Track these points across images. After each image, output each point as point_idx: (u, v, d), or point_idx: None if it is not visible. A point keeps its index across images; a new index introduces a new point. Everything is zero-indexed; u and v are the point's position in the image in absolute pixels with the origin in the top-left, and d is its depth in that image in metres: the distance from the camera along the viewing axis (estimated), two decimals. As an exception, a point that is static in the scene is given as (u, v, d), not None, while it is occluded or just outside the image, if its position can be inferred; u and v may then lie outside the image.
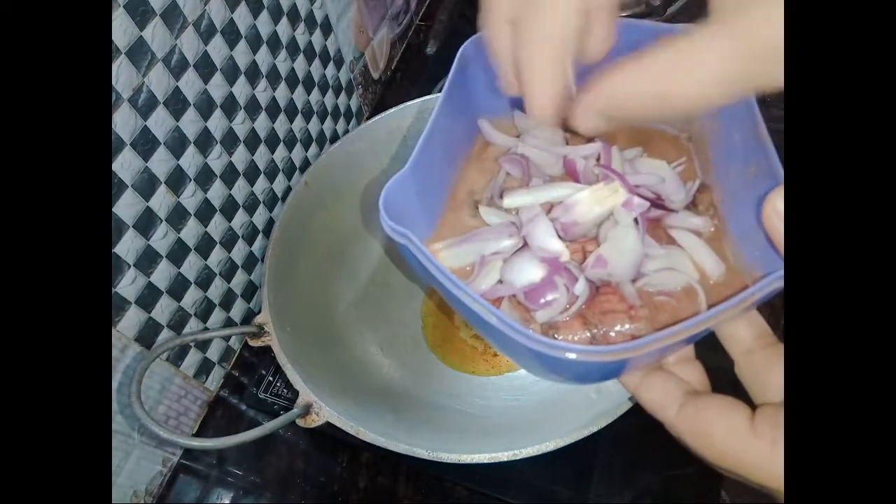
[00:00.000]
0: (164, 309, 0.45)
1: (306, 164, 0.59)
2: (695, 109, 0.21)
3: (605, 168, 0.31)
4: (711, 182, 0.32)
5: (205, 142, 0.45)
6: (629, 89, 0.22)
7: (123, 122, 0.37)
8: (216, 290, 0.51)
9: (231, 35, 0.44)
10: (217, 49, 0.43)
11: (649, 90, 0.21)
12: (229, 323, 0.54)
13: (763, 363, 0.25)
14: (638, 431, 0.47)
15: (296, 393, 0.42)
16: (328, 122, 0.62)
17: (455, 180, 0.34)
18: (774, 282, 0.24)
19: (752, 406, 0.24)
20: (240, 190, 0.50)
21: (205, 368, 0.52)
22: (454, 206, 0.33)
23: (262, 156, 0.52)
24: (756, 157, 0.27)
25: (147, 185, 0.40)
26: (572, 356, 0.22)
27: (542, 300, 0.28)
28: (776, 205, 0.21)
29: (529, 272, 0.28)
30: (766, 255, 0.26)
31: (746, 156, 0.29)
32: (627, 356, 0.23)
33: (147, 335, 0.44)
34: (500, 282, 0.29)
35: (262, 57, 0.49)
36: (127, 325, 0.42)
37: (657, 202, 0.29)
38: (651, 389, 0.25)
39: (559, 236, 0.29)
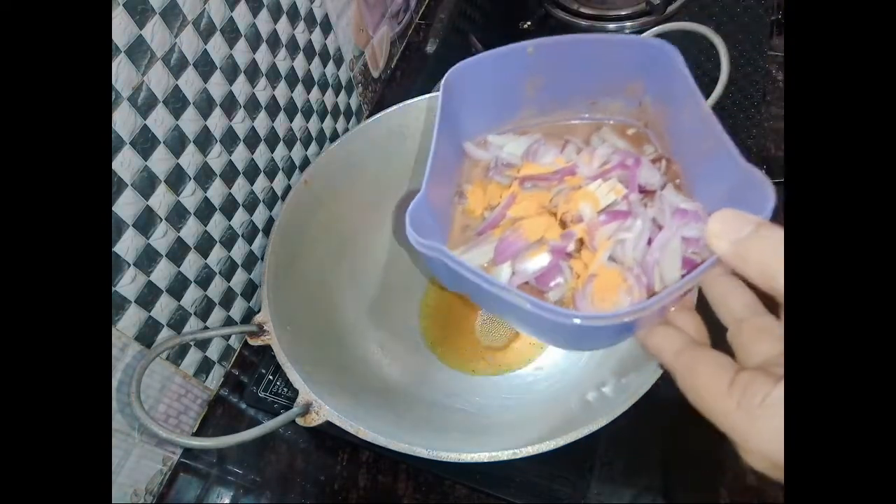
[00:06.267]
0: (163, 308, 0.45)
1: (306, 162, 0.59)
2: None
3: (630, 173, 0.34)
4: (672, 156, 0.37)
5: (204, 140, 0.45)
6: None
7: (123, 120, 0.37)
8: (216, 289, 0.51)
9: (230, 34, 0.44)
10: (216, 48, 0.43)
11: None
12: (229, 322, 0.54)
13: (750, 332, 0.27)
14: (638, 431, 0.47)
15: (296, 392, 0.42)
16: (328, 121, 0.62)
17: (454, 197, 0.39)
18: None
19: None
20: (239, 189, 0.50)
21: (205, 367, 0.52)
22: (457, 217, 0.38)
23: (261, 154, 0.52)
24: (706, 134, 0.31)
25: (147, 184, 0.40)
26: (577, 321, 0.26)
27: (552, 283, 0.33)
28: (712, 227, 0.24)
29: (538, 261, 0.33)
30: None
31: (697, 134, 0.32)
32: (627, 319, 0.27)
33: (147, 334, 0.44)
34: (514, 273, 0.33)
35: (262, 55, 0.49)
36: (127, 323, 0.42)
37: (642, 189, 0.34)
38: (654, 336, 0.29)
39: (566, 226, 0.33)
